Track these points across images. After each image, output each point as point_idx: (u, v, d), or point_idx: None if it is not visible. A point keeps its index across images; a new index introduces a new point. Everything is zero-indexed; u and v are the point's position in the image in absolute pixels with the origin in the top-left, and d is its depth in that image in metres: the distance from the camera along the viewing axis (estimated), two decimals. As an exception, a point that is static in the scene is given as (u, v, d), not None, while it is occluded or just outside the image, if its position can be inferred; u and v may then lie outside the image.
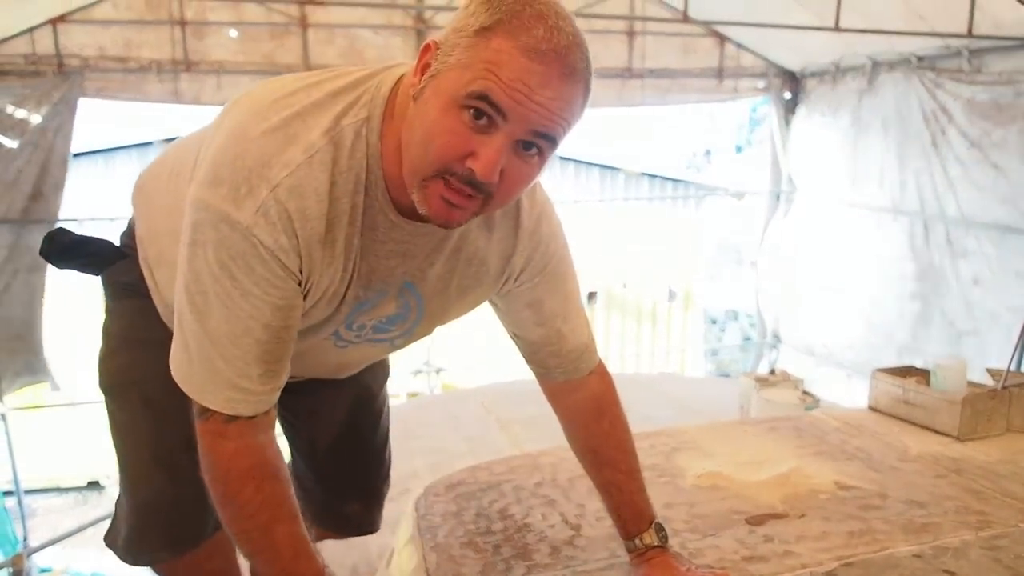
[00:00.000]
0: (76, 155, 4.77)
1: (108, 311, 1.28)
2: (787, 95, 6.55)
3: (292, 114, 0.91)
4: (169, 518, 1.21)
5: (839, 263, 6.26)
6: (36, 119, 4.48)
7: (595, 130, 8.95)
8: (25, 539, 5.00)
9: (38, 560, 4.69)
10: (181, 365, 0.96)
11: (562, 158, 8.09)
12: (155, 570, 1.27)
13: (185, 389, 0.96)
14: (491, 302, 1.20)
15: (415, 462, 2.54)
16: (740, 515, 1.42)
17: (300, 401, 1.38)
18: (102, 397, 1.26)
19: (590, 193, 8.32)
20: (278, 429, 1.07)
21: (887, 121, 5.49)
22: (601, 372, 1.26)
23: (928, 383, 1.87)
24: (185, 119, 6.42)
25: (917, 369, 2.00)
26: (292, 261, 0.91)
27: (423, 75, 0.87)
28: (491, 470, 1.67)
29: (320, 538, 1.60)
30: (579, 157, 8.34)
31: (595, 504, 1.46)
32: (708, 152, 13.18)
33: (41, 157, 4.51)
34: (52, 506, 6.42)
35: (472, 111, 0.83)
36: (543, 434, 2.84)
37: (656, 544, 1.18)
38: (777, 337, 7.37)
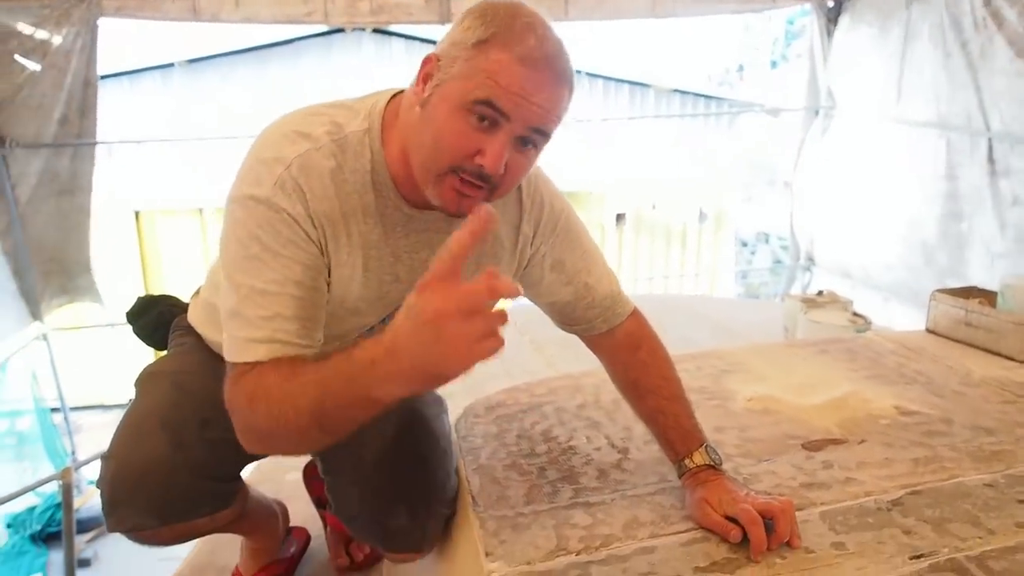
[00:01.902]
0: (101, 77, 4.62)
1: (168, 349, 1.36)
2: (830, 3, 6.21)
3: (298, 122, 1.03)
4: (163, 484, 1.12)
5: (879, 182, 6.04)
6: (57, 40, 4.35)
7: (626, 45, 8.62)
8: (73, 453, 5.15)
9: (86, 473, 4.81)
10: (227, 341, 0.99)
11: (590, 75, 7.80)
12: (133, 537, 1.18)
13: (230, 352, 0.98)
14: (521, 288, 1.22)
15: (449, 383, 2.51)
16: (796, 440, 1.36)
17: None
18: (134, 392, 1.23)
19: (619, 111, 8.04)
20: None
21: (936, 31, 5.18)
22: (634, 313, 1.28)
23: (992, 304, 1.77)
24: (204, 38, 6.29)
25: (979, 290, 1.89)
26: (310, 229, 0.99)
27: (426, 83, 0.98)
28: (531, 391, 1.62)
29: (370, 558, 1.56)
30: (608, 74, 8.03)
31: (641, 427, 1.41)
32: (741, 68, 12.73)
33: (66, 80, 4.39)
34: (97, 422, 6.59)
35: (477, 115, 0.94)
36: (579, 356, 2.78)
37: (707, 463, 1.13)
38: (811, 259, 7.21)
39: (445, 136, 0.95)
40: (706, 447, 1.15)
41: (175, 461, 1.13)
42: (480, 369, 1.65)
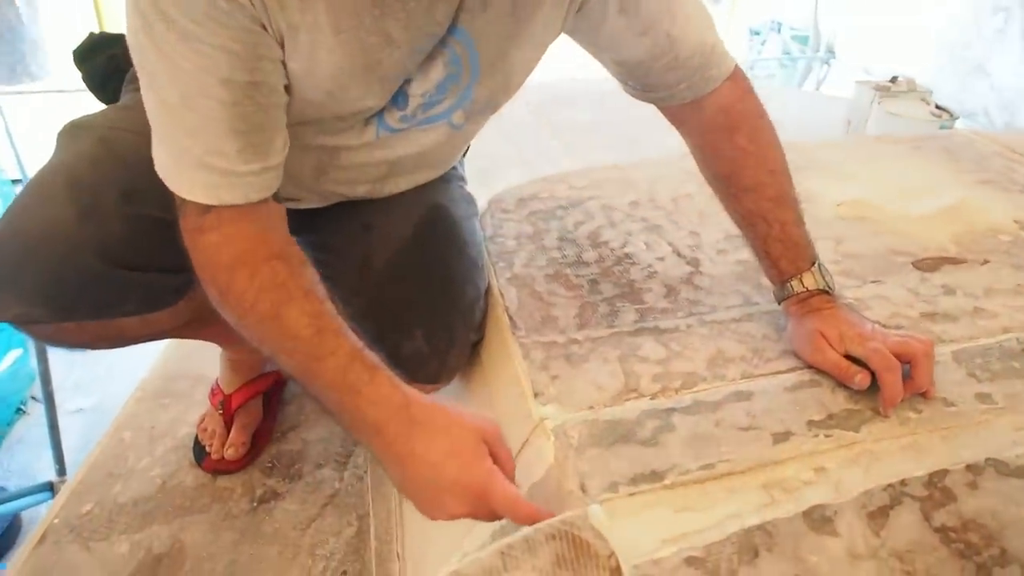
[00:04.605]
0: None
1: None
2: None
3: None
4: (59, 262, 0.82)
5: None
6: None
7: None
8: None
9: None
10: (155, 152, 0.73)
11: None
12: (33, 333, 0.94)
13: (162, 177, 0.73)
14: (574, 35, 0.91)
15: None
16: (904, 257, 1.10)
17: (349, 220, 1.01)
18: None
19: None
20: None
21: None
22: (735, 77, 0.92)
23: None
24: None
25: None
26: None
27: None
28: (569, 183, 1.33)
29: None
30: None
31: (712, 233, 1.15)
32: None
33: None
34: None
35: None
36: (607, 143, 2.47)
37: (821, 288, 0.88)
38: (831, 52, 6.69)
39: None
40: (819, 266, 0.89)
41: (81, 235, 0.82)
42: (490, 151, 1.32)
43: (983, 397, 0.82)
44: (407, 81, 0.82)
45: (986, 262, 1.09)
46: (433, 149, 0.95)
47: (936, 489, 0.70)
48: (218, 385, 1.22)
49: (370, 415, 0.68)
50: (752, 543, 0.65)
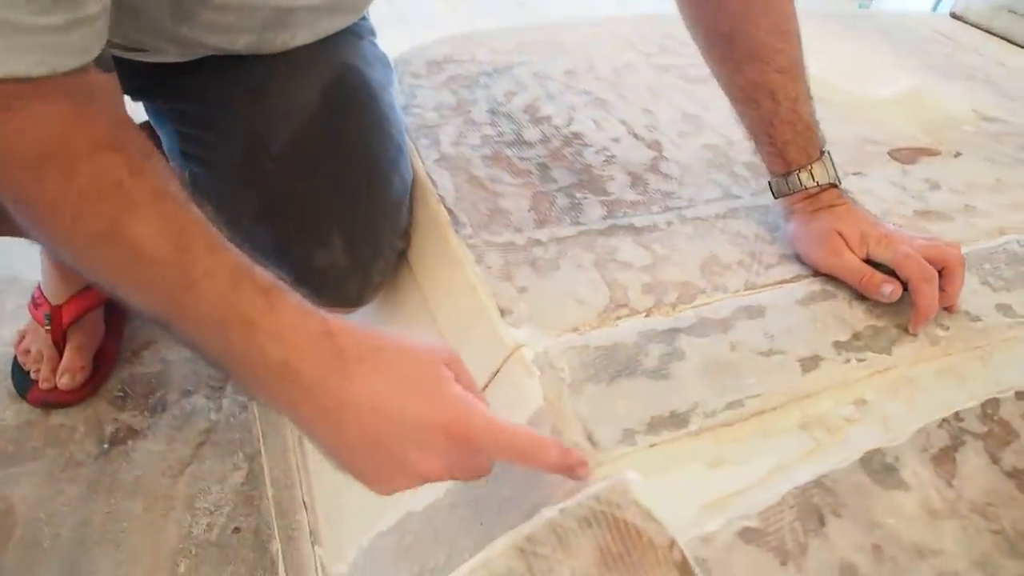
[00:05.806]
0: None
1: None
2: None
3: None
4: None
5: None
6: None
7: None
8: None
9: None
10: None
11: None
12: None
13: None
14: None
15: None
16: (878, 146, 0.98)
17: (231, 82, 0.72)
18: None
19: None
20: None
21: None
22: None
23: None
24: None
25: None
26: None
27: None
28: (492, 46, 1.10)
29: None
30: None
31: (667, 111, 0.98)
32: None
33: None
34: None
35: None
36: (491, 6, 2.22)
37: (831, 182, 0.73)
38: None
39: None
40: (828, 154, 0.74)
41: None
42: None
43: (1004, 309, 0.72)
44: None
45: (959, 154, 0.99)
46: None
47: (994, 423, 0.60)
48: (41, 293, 0.92)
49: (275, 355, 0.44)
50: (813, 505, 0.51)
